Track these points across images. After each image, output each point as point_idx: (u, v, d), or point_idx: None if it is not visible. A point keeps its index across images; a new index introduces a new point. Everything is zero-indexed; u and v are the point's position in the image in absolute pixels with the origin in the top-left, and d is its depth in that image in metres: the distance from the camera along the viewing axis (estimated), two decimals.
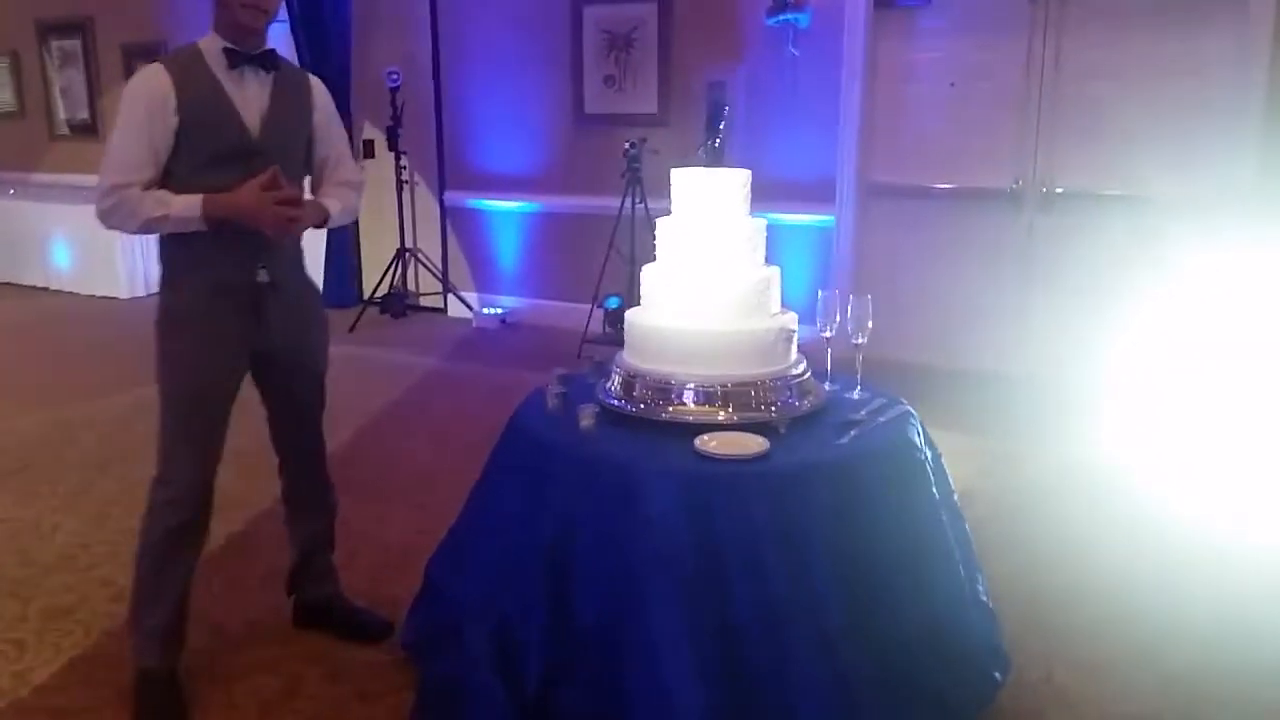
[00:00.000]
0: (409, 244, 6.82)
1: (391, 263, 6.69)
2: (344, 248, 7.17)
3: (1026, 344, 5.13)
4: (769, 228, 2.32)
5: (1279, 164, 4.50)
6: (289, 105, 2.24)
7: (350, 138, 6.93)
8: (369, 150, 7.08)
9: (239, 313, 2.23)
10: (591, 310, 5.86)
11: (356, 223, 7.14)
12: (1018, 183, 5.10)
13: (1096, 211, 4.94)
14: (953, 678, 2.12)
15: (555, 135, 6.35)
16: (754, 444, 1.99)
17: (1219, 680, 2.43)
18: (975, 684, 2.18)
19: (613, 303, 5.83)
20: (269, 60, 2.19)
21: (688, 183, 2.25)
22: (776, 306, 2.27)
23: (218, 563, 3.01)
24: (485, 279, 6.81)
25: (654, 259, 2.34)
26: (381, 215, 7.07)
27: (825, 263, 5.54)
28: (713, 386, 2.14)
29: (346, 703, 2.37)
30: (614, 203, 5.71)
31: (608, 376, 2.33)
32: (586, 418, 2.10)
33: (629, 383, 2.20)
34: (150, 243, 7.21)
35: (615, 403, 2.19)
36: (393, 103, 6.48)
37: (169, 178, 2.12)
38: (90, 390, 5.00)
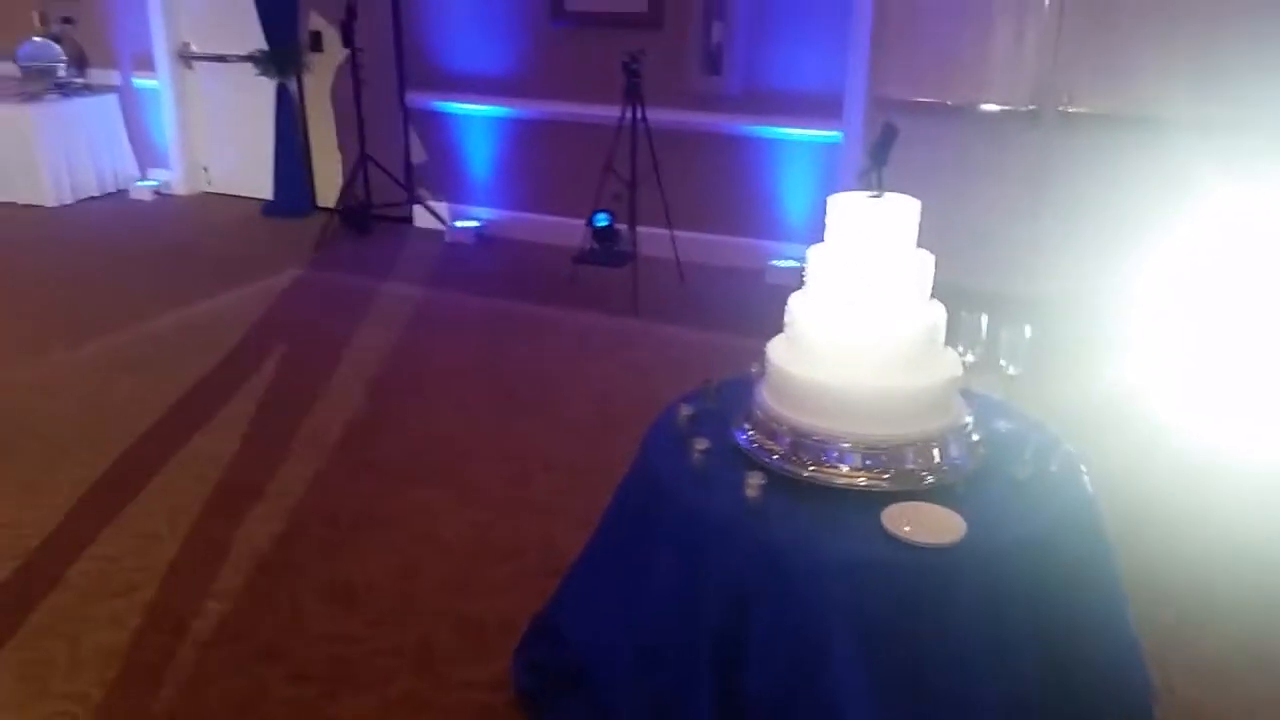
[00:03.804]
0: (367, 149, 6.32)
1: (353, 172, 6.20)
2: (293, 152, 6.64)
3: (1038, 267, 5.04)
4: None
5: None
6: None
7: (294, 26, 6.32)
8: (316, 44, 6.47)
9: None
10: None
11: (305, 123, 6.62)
12: (1034, 101, 4.91)
13: (1115, 133, 4.80)
14: (1119, 715, 2.09)
15: (531, 34, 5.85)
16: (948, 523, 1.84)
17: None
18: (1133, 712, 2.17)
19: (601, 220, 5.52)
20: None
21: (848, 212, 2.01)
22: (940, 350, 2.08)
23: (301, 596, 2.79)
24: (456, 189, 6.38)
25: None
26: (333, 117, 6.53)
27: (830, 179, 5.31)
28: (883, 447, 1.96)
29: None
30: (600, 111, 5.35)
31: (750, 419, 2.13)
32: (753, 488, 1.90)
33: (794, 442, 2.00)
34: (79, 147, 6.64)
35: (779, 465, 1.99)
36: None
37: None
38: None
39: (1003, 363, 2.22)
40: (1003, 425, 2.20)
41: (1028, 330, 2.18)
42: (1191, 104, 4.61)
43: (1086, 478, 2.07)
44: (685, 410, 2.21)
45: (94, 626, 2.63)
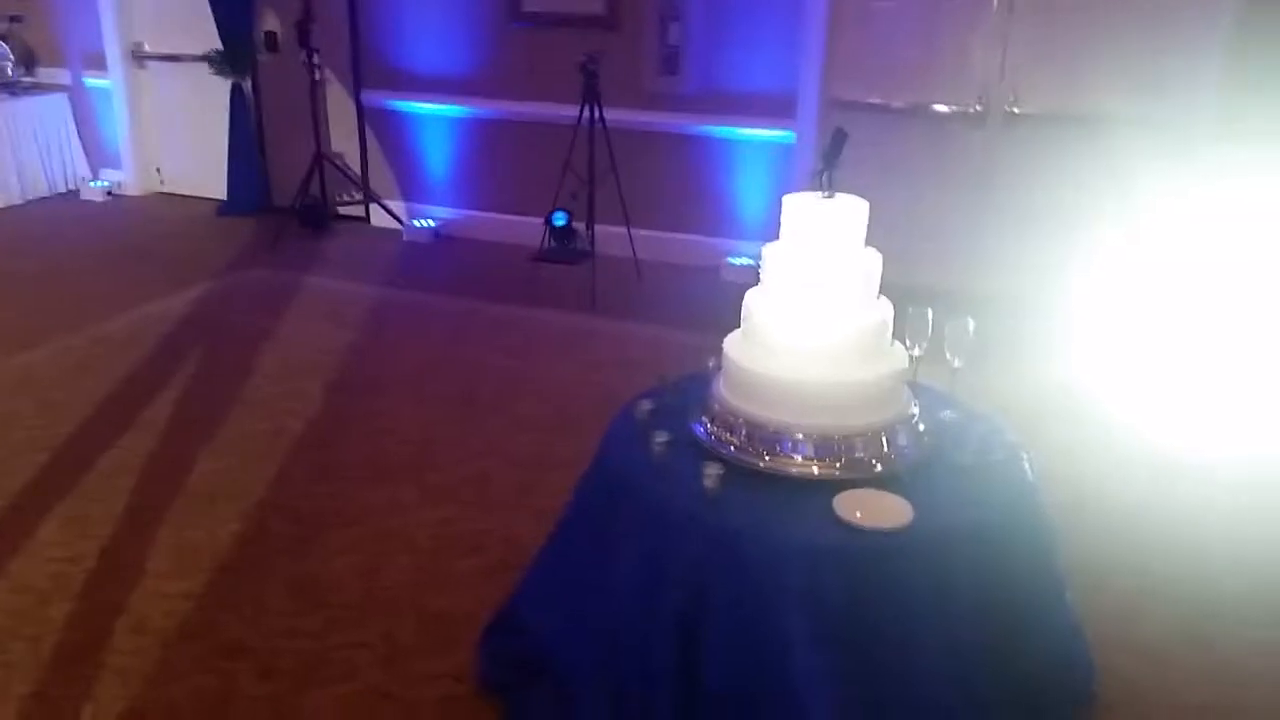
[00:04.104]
0: (324, 148, 6.30)
1: (310, 170, 6.18)
2: (247, 150, 6.61)
3: (985, 264, 5.18)
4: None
5: (1241, 85, 4.57)
6: None
7: (249, 26, 6.30)
8: (271, 44, 6.45)
9: None
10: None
11: (260, 123, 6.60)
12: (980, 102, 5.04)
13: (1058, 132, 4.95)
14: (1062, 700, 2.20)
15: (488, 35, 5.88)
16: (897, 509, 1.93)
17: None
18: (1074, 696, 2.27)
19: (559, 218, 5.57)
20: None
21: (801, 212, 2.08)
22: (889, 344, 2.17)
23: (241, 586, 2.82)
24: (413, 188, 6.39)
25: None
26: (288, 116, 6.51)
27: (784, 178, 5.41)
28: (835, 438, 2.05)
29: None
30: (558, 110, 5.42)
31: (708, 412, 2.20)
32: (710, 479, 1.98)
33: (750, 433, 2.07)
34: (28, 147, 6.54)
35: (736, 456, 2.07)
36: None
37: None
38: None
39: (948, 356, 2.32)
40: (948, 415, 2.29)
41: (971, 325, 2.27)
42: (1132, 103, 4.77)
43: (1028, 465, 2.17)
44: (645, 405, 2.28)
45: (55, 628, 2.63)
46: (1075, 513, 3.04)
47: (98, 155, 7.28)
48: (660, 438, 2.12)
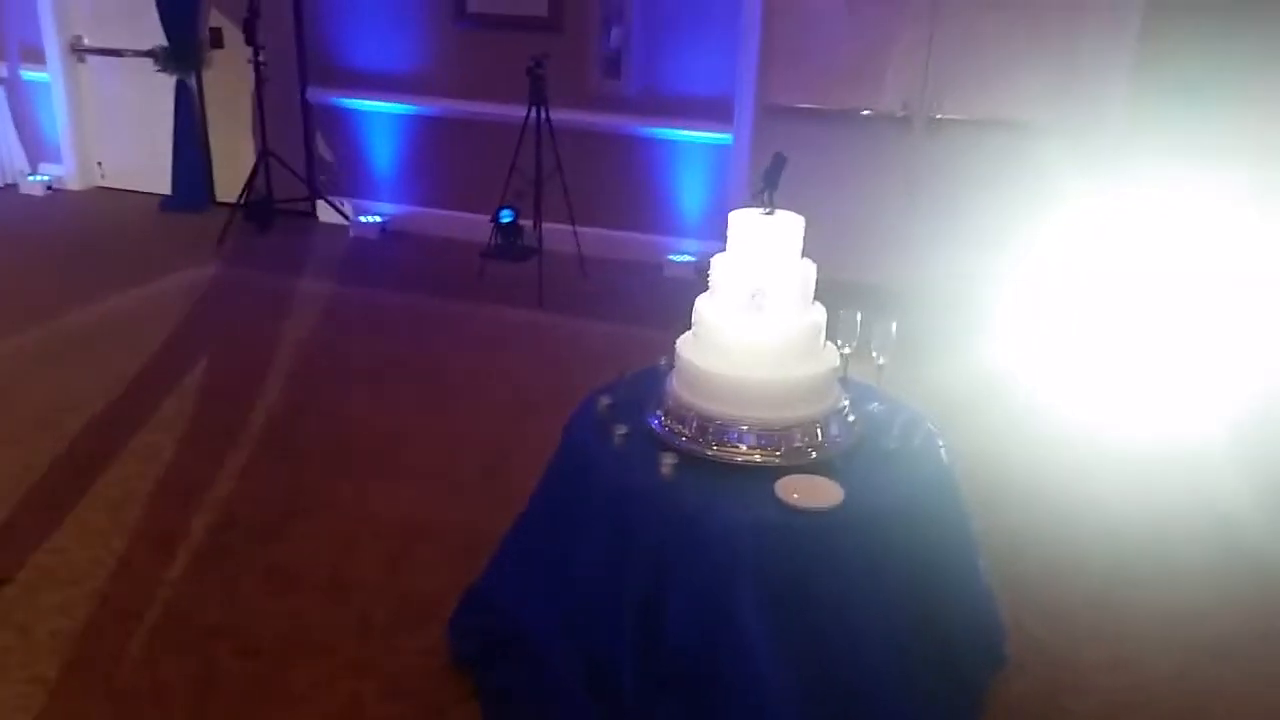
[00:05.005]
0: (269, 145, 6.39)
1: (255, 167, 6.27)
2: (192, 146, 6.66)
3: (909, 262, 5.49)
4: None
5: (1148, 92, 4.93)
6: None
7: (195, 23, 6.35)
8: (217, 40, 6.50)
9: None
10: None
11: (204, 119, 6.65)
12: (906, 108, 5.35)
13: (979, 137, 5.28)
14: (978, 659, 2.49)
15: (433, 35, 6.03)
16: (830, 491, 2.18)
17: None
18: (989, 655, 2.56)
19: (506, 215, 5.75)
20: None
21: (745, 227, 2.33)
22: (822, 344, 2.42)
23: (221, 570, 2.98)
24: (358, 184, 6.52)
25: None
26: (232, 112, 6.58)
27: (721, 179, 5.66)
28: (775, 428, 2.30)
29: None
30: (504, 110, 5.62)
31: (662, 406, 2.43)
32: (667, 466, 2.21)
33: (700, 425, 2.31)
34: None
35: (688, 445, 2.31)
36: None
37: None
38: None
39: (874, 354, 2.59)
40: (874, 407, 2.56)
41: (894, 326, 2.54)
42: (1049, 108, 5.11)
43: (944, 450, 2.45)
44: (604, 400, 2.50)
45: (45, 615, 2.77)
46: (994, 490, 3.35)
47: (36, 149, 7.25)
48: (620, 430, 2.35)
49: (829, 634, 2.15)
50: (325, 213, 6.56)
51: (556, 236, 5.52)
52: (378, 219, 6.37)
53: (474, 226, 5.82)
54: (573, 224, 5.52)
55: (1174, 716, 2.56)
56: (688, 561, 2.15)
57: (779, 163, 2.29)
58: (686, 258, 5.62)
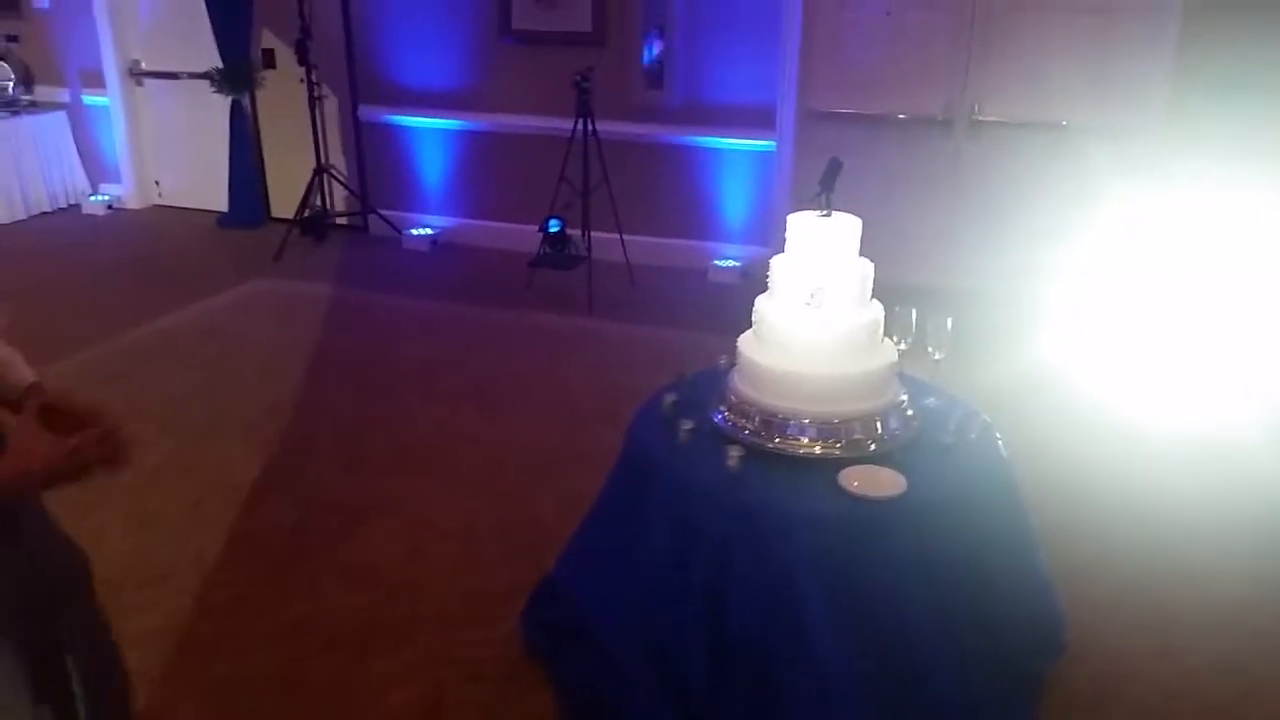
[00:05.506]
0: (323, 161, 6.57)
1: (311, 182, 6.45)
2: (247, 163, 6.86)
3: (957, 263, 5.54)
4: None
5: (1187, 95, 4.96)
6: None
7: (249, 45, 6.55)
8: (269, 60, 6.70)
9: None
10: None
11: (259, 137, 6.85)
12: (947, 111, 5.40)
13: (1020, 138, 5.33)
14: (1036, 647, 2.55)
15: (479, 51, 6.18)
16: (892, 481, 2.26)
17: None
18: (1048, 644, 2.62)
19: (554, 225, 5.87)
20: None
21: (804, 228, 2.42)
22: (880, 340, 2.50)
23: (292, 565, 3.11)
24: (409, 198, 6.68)
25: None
26: (286, 131, 6.77)
27: (766, 186, 5.75)
28: (835, 422, 2.38)
29: (493, 706, 2.57)
30: (550, 123, 5.74)
31: (725, 403, 2.53)
32: (733, 459, 2.31)
33: (763, 419, 2.40)
34: (29, 164, 6.74)
35: (751, 439, 2.40)
36: (300, 13, 6.12)
37: None
38: None
39: (930, 349, 2.66)
40: (931, 401, 2.64)
41: (949, 322, 2.62)
42: (1089, 109, 5.16)
43: (1001, 443, 2.52)
44: (669, 398, 2.60)
45: (132, 611, 2.89)
46: (1050, 484, 3.40)
47: (97, 170, 7.50)
48: (686, 426, 2.45)
49: (887, 622, 2.21)
50: (377, 226, 6.72)
51: (604, 245, 5.62)
52: (429, 231, 6.52)
53: (522, 237, 5.95)
54: (619, 232, 5.63)
55: (1220, 704, 2.61)
56: (751, 551, 2.23)
57: (835, 167, 2.38)
58: (731, 263, 5.71)
